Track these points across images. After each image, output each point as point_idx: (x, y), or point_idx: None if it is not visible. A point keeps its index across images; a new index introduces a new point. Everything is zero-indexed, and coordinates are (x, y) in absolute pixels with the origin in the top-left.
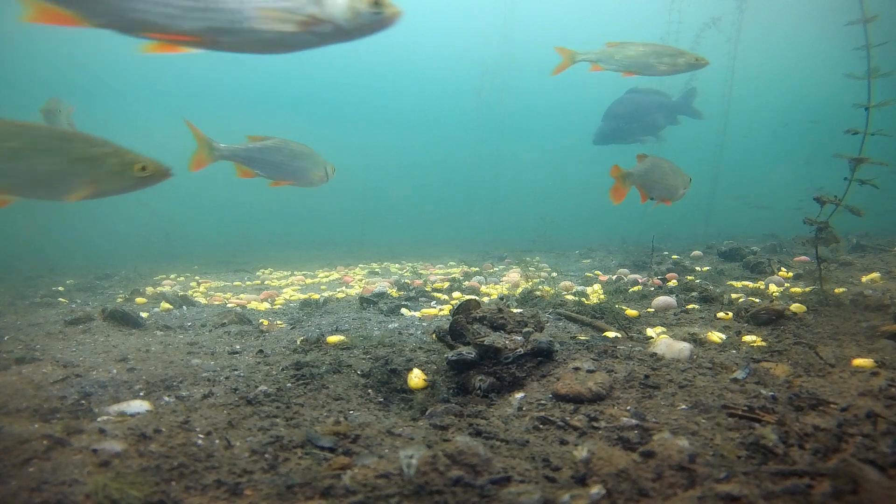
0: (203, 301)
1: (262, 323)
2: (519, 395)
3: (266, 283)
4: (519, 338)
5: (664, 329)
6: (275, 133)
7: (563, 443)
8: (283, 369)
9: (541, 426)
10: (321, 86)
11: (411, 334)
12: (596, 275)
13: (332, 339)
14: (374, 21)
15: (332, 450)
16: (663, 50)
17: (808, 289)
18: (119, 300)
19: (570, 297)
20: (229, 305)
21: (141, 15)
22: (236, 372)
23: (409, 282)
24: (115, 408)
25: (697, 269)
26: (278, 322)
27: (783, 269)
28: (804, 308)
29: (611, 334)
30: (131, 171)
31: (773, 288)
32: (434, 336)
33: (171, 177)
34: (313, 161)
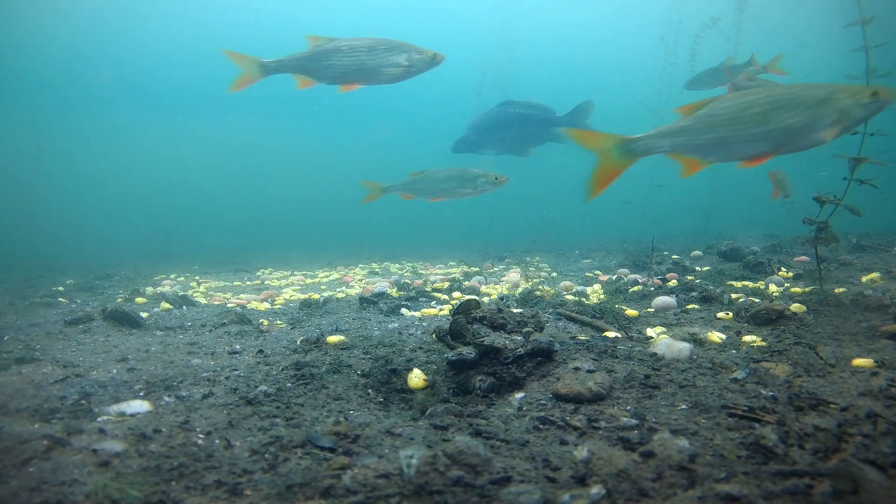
0: (203, 301)
1: (262, 323)
2: (519, 395)
3: (266, 283)
4: (519, 338)
5: (664, 329)
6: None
7: (563, 443)
8: (283, 369)
9: (541, 426)
10: (321, 86)
11: (411, 334)
12: (596, 275)
13: (332, 339)
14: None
15: (332, 450)
16: None
17: (808, 289)
18: (119, 300)
19: (570, 297)
20: (229, 305)
21: None
22: (236, 372)
23: (409, 282)
24: (115, 408)
25: (697, 269)
26: (278, 322)
27: (783, 269)
28: (804, 308)
29: (611, 334)
30: (863, 99)
31: (773, 288)
32: (434, 336)
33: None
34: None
